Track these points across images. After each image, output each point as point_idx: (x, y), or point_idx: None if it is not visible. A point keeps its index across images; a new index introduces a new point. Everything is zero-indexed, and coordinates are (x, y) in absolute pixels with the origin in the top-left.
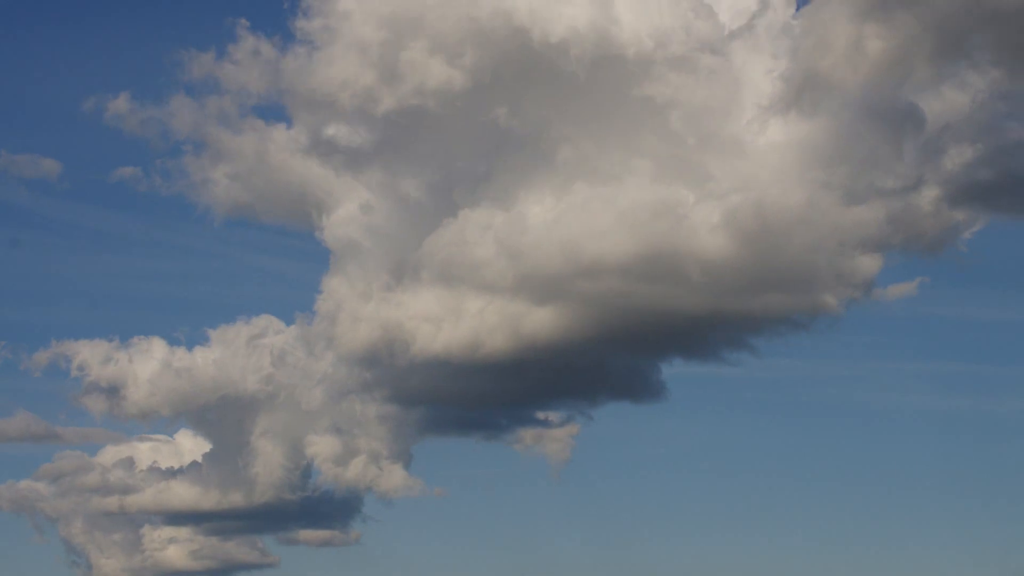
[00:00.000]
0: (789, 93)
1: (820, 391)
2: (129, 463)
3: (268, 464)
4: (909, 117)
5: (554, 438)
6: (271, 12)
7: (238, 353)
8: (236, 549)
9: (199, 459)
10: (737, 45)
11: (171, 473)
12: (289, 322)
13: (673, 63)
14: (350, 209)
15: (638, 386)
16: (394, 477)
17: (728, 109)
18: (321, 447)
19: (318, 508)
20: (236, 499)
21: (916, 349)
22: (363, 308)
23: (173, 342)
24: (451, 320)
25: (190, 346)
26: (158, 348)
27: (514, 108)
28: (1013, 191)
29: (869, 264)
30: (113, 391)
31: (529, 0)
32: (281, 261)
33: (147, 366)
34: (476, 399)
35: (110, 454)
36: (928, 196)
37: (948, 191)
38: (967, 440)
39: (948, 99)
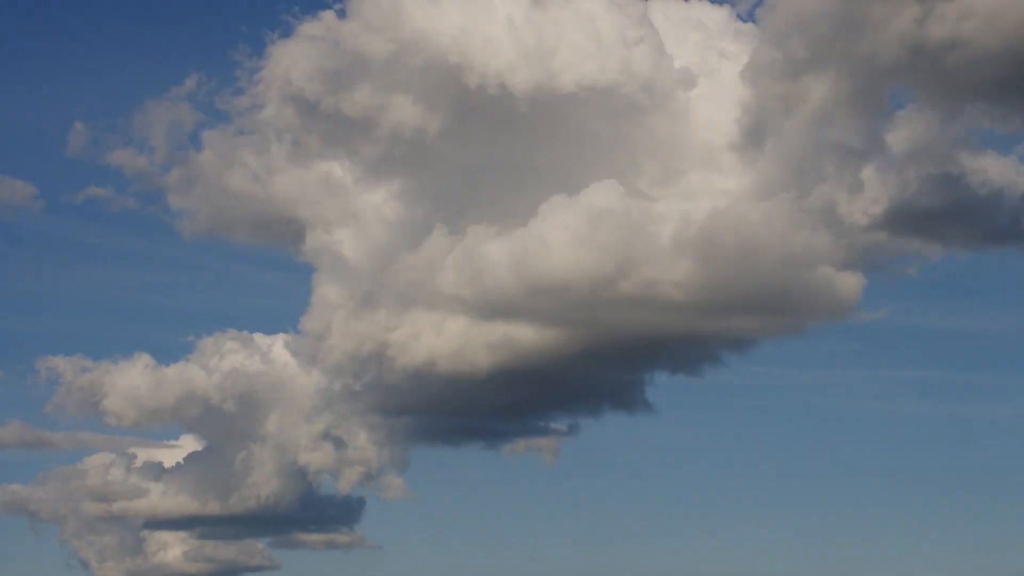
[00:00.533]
0: (743, 135)
1: (802, 398)
2: (127, 469)
3: (265, 470)
4: (862, 150)
5: (546, 446)
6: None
7: (227, 363)
8: (237, 553)
9: (197, 464)
10: (693, 88)
11: (170, 478)
12: (279, 333)
13: (628, 104)
14: (334, 227)
15: (625, 397)
16: (392, 482)
17: (687, 145)
18: (318, 453)
19: (319, 512)
20: (235, 504)
21: (893, 357)
22: (350, 324)
23: (166, 351)
24: (436, 335)
25: (181, 356)
26: (150, 357)
27: (482, 141)
28: (955, 219)
29: (850, 288)
30: (104, 399)
31: (469, 48)
32: (265, 276)
33: (139, 375)
34: (470, 410)
35: (108, 460)
36: (886, 223)
37: (903, 219)
38: (946, 444)
39: (890, 136)
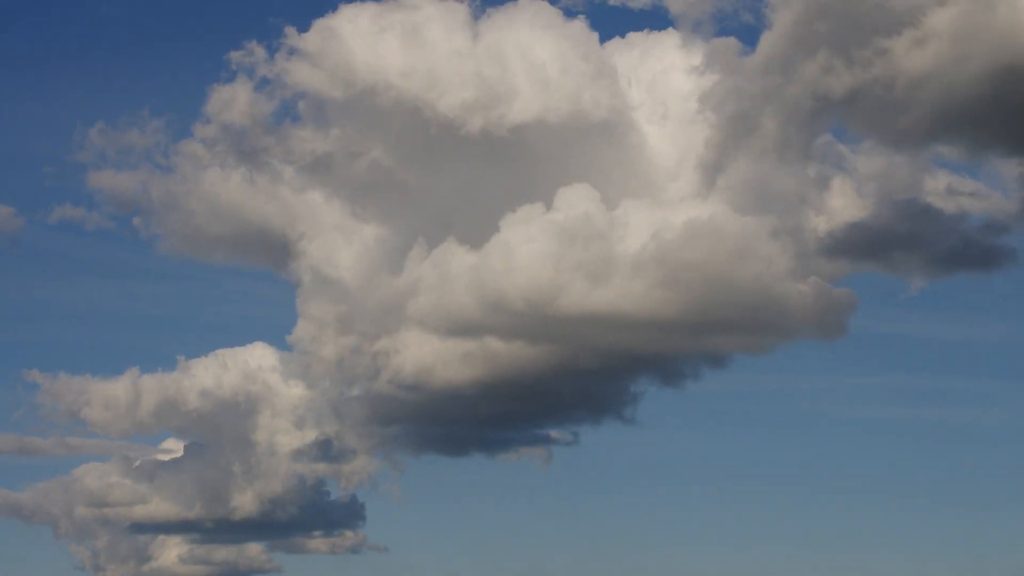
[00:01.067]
0: (701, 164)
1: (783, 406)
2: (123, 475)
3: (261, 477)
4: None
5: (538, 455)
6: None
7: (217, 375)
8: (235, 557)
9: (192, 471)
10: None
11: (167, 484)
12: (268, 346)
13: (593, 133)
14: (318, 246)
15: (613, 408)
16: (386, 488)
17: (649, 170)
18: (310, 461)
19: (316, 517)
20: (231, 509)
21: (872, 366)
22: (337, 338)
23: (156, 363)
24: (419, 349)
25: (172, 368)
26: (139, 370)
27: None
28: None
29: (844, 306)
30: (103, 409)
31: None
32: (250, 293)
33: (131, 386)
34: (459, 420)
35: (104, 468)
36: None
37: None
38: (924, 448)
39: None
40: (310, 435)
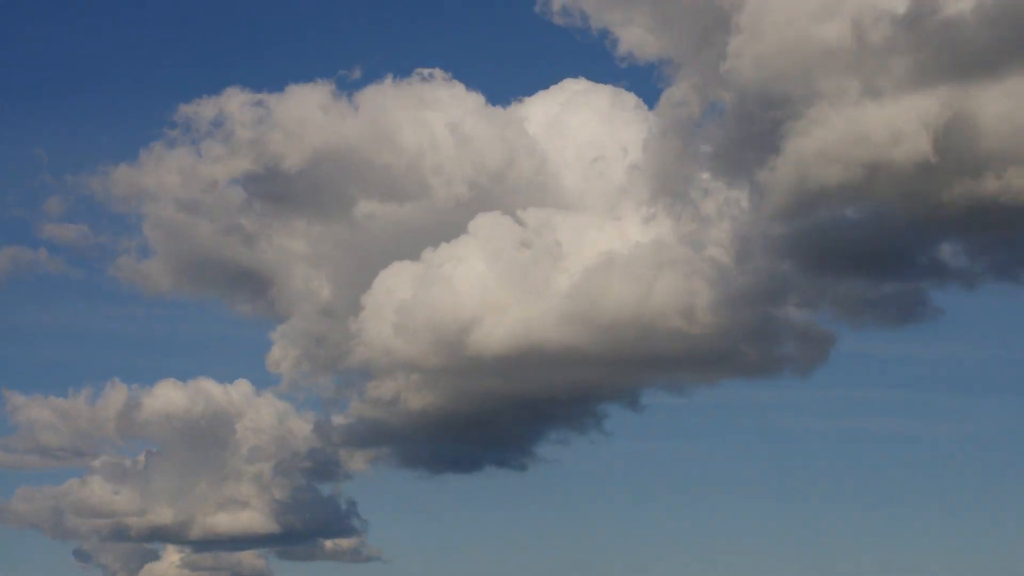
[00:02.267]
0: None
1: (762, 417)
2: (118, 484)
3: (263, 483)
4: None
5: (527, 467)
6: None
7: (202, 393)
8: (237, 564)
9: (190, 480)
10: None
11: (167, 492)
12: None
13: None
14: (294, 278)
15: (585, 426)
16: (371, 502)
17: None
18: (298, 473)
19: (319, 524)
20: (234, 516)
21: (855, 380)
22: (316, 364)
23: (145, 380)
24: (394, 372)
25: (161, 385)
26: (128, 385)
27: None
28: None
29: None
30: (103, 419)
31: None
32: (234, 325)
33: (123, 399)
34: (442, 439)
35: (95, 477)
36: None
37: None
38: (903, 459)
39: None
40: (292, 450)
